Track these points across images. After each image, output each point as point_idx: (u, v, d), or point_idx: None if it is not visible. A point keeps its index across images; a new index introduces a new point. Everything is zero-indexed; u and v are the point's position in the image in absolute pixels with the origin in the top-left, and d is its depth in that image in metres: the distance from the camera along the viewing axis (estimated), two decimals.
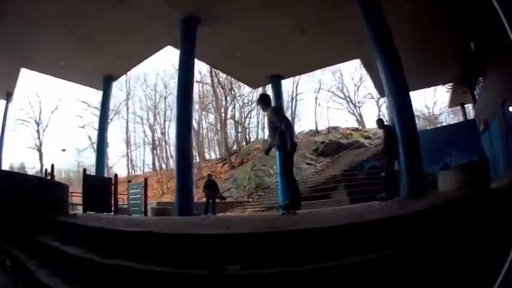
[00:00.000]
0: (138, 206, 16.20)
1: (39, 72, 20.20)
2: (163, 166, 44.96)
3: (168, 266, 3.16)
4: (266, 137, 38.77)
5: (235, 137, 42.88)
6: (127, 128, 48.46)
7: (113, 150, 53.67)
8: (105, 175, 20.94)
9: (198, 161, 40.74)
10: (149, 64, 50.41)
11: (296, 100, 45.25)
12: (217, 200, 17.68)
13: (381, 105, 44.63)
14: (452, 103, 26.99)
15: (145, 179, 17.12)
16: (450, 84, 22.80)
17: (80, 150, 50.57)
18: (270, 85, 21.53)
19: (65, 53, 16.84)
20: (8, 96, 21.24)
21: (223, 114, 41.26)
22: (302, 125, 47.63)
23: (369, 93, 45.69)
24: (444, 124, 35.47)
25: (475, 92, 19.50)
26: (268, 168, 30.18)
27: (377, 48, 11.21)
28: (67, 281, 3.50)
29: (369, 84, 40.42)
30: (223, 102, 41.57)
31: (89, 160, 47.03)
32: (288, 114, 38.85)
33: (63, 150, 48.83)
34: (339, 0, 12.31)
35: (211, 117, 45.79)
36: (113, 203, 14.81)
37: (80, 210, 14.89)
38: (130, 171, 48.37)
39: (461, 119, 27.12)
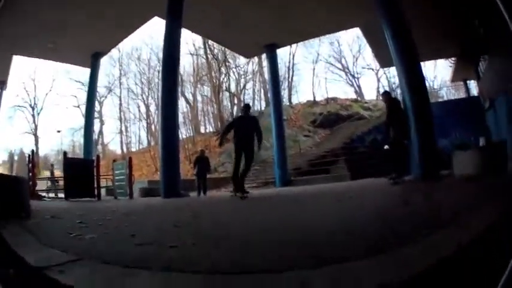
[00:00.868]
0: (123, 188, 15.34)
1: (30, 57, 20.81)
2: (158, 141, 43.74)
3: None
4: (262, 109, 38.51)
5: (230, 110, 42.03)
6: (120, 104, 47.68)
7: (108, 128, 53.66)
8: (95, 154, 20.36)
9: (193, 134, 40.71)
10: (142, 38, 48.78)
11: (293, 70, 44.58)
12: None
13: (380, 76, 43.97)
14: (455, 78, 26.29)
15: (130, 158, 16.38)
16: (453, 58, 22.46)
17: (75, 130, 50.09)
18: (265, 55, 21.41)
19: (53, 34, 16.66)
20: (2, 85, 21.62)
21: (217, 87, 40.76)
22: (299, 96, 46.42)
23: (368, 64, 44.81)
24: (445, 99, 35.04)
25: (479, 68, 18.74)
26: (264, 141, 29.29)
27: (385, 14, 10.79)
28: None
29: (367, 56, 39.60)
30: (218, 74, 41.06)
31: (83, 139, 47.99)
32: (284, 84, 38.23)
33: (58, 131, 48.76)
34: None
35: (206, 90, 45.23)
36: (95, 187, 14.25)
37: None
38: (125, 148, 47.73)
39: (462, 94, 26.87)
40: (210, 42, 33.66)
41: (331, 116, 32.49)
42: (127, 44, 22.52)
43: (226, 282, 2.00)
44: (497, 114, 13.97)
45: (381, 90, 43.43)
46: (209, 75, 41.55)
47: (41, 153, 45.96)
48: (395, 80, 29.22)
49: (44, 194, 15.52)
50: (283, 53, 35.73)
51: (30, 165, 13.84)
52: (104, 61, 21.75)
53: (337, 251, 2.36)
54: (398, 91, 19.12)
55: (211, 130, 43.48)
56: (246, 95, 43.83)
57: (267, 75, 32.56)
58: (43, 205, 8.46)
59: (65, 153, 15.48)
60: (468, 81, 24.87)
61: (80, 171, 13.77)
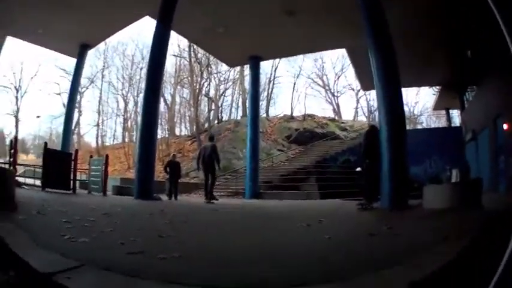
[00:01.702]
0: (98, 184, 15.38)
1: (23, 40, 20.25)
2: (133, 138, 42.86)
3: None
4: (239, 118, 38.67)
5: (207, 115, 41.98)
6: (100, 97, 46.84)
7: (85, 119, 52.99)
8: (72, 145, 20.34)
9: (167, 136, 40.27)
10: (129, 34, 48.62)
11: (273, 83, 44.84)
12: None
13: (360, 97, 44.76)
14: (438, 106, 26.72)
15: (107, 156, 16.38)
16: (438, 87, 22.69)
17: (54, 117, 49.47)
18: (248, 66, 21.88)
19: (43, 19, 16.50)
20: None
21: (197, 90, 40.27)
22: (277, 109, 46.72)
23: (349, 84, 45.40)
24: (425, 126, 35.66)
25: (464, 98, 19.20)
26: (238, 151, 29.58)
27: (371, 38, 10.62)
28: None
29: (349, 75, 40.14)
30: (199, 78, 40.62)
31: (62, 128, 47.28)
32: (263, 96, 38.50)
33: (38, 116, 48.45)
34: None
35: (186, 92, 44.88)
36: (72, 180, 14.35)
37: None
38: (99, 142, 46.85)
39: (443, 123, 27.28)
40: (195, 46, 33.25)
41: (307, 133, 32.57)
42: (114, 37, 22.77)
43: None
44: (478, 148, 14.26)
45: (360, 112, 44.44)
46: (190, 78, 41.11)
47: (19, 136, 44.75)
48: (374, 103, 29.67)
49: (21, 180, 15.27)
50: (265, 65, 35.87)
51: (13, 151, 13.94)
52: (90, 52, 21.45)
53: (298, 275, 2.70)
54: (377, 114, 19.57)
55: (186, 133, 43.39)
56: (224, 102, 44.04)
57: (247, 85, 32.75)
58: (24, 195, 8.50)
59: (45, 143, 15.21)
60: (451, 111, 25.28)
61: (59, 163, 13.89)
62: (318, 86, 47.59)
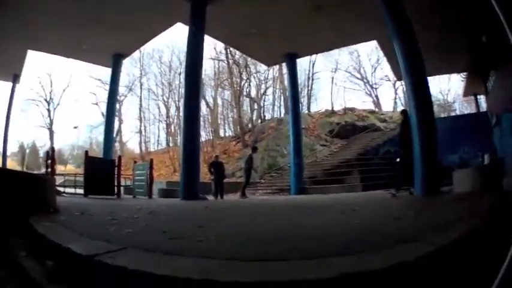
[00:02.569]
0: (143, 188, 15.84)
1: (48, 53, 20.46)
2: (177, 143, 43.18)
3: None
4: (281, 115, 38.83)
5: (250, 115, 42.34)
6: (140, 104, 48.08)
7: (127, 127, 54.08)
8: (115, 153, 20.80)
9: (212, 138, 40.63)
10: (164, 41, 50.42)
11: (312, 79, 44.71)
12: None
13: (397, 88, 44.04)
14: (466, 93, 26.36)
15: (151, 160, 16.67)
16: (465, 73, 22.46)
17: (93, 127, 50.95)
18: (285, 64, 21.74)
19: (74, 33, 16.78)
20: (15, 78, 21.84)
21: (238, 91, 40.55)
22: (318, 104, 46.48)
23: (386, 75, 44.71)
24: (458, 113, 34.98)
25: (488, 84, 18.87)
26: (282, 148, 29.75)
27: (393, 29, 10.81)
28: None
29: (385, 66, 39.76)
30: (239, 80, 40.86)
31: (102, 137, 48.17)
32: (304, 92, 38.43)
33: (75, 127, 49.69)
34: None
35: (227, 94, 45.07)
36: (116, 186, 14.74)
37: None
38: (143, 147, 47.93)
39: (474, 109, 26.75)
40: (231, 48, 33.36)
41: (348, 127, 32.45)
42: (148, 45, 23.30)
43: (241, 266, 2.51)
44: (502, 131, 14.11)
45: (398, 102, 43.77)
46: (230, 79, 41.39)
47: (55, 147, 46.47)
48: None
49: (61, 189, 15.95)
50: (303, 61, 35.84)
51: (49, 161, 14.03)
52: (125, 61, 21.95)
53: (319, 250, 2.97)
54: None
55: (230, 134, 43.56)
56: (266, 101, 43.92)
57: (287, 83, 32.83)
58: (65, 201, 8.67)
59: (86, 152, 15.77)
60: (478, 96, 24.85)
61: (101, 169, 14.29)
62: (356, 79, 47.31)
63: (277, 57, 21.06)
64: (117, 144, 41.89)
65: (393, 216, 5.32)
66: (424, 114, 9.90)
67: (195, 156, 13.99)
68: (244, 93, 41.48)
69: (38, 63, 45.15)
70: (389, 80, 44.09)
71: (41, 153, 52.99)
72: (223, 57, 41.37)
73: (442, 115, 31.93)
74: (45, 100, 49.21)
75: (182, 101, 16.48)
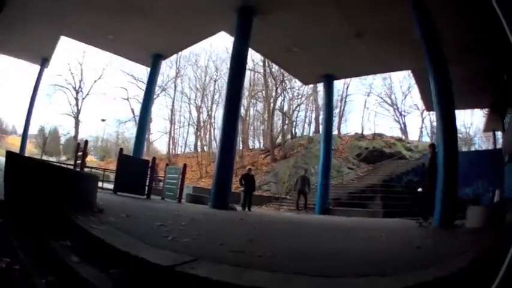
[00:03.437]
0: (173, 191, 16.09)
1: (83, 42, 20.87)
2: (205, 149, 44.50)
3: None
4: (311, 134, 39.13)
5: (280, 129, 42.11)
6: (173, 105, 48.53)
7: (155, 126, 54.45)
8: (144, 151, 21.06)
9: (241, 148, 40.36)
10: (201, 45, 49.76)
11: (345, 101, 45.14)
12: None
13: (424, 117, 44.22)
14: (487, 128, 26.39)
15: (185, 166, 17.01)
16: (486, 109, 22.41)
17: (121, 122, 52.35)
18: (322, 84, 22.01)
19: (114, 27, 17.19)
20: (44, 62, 22.13)
21: (271, 105, 40.55)
22: (348, 126, 46.73)
23: (415, 104, 44.95)
24: (477, 147, 35.01)
25: (505, 121, 18.99)
26: (310, 167, 29.76)
27: (429, 62, 11.07)
28: None
29: (415, 95, 39.81)
30: (273, 93, 40.87)
31: (129, 132, 49.70)
32: (335, 112, 38.61)
33: (103, 120, 49.99)
34: (399, 10, 12.28)
35: (260, 106, 45.40)
36: (147, 186, 14.93)
37: None
38: (171, 149, 48.26)
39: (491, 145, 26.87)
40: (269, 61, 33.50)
41: (375, 152, 32.53)
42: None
43: (302, 281, 2.95)
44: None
45: (424, 131, 43.76)
46: (265, 92, 41.51)
47: (80, 137, 47.29)
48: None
49: None
50: (337, 82, 36.21)
51: (80, 153, 14.59)
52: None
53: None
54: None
55: (259, 146, 43.96)
56: (298, 117, 44.08)
57: (320, 101, 33.05)
58: (102, 198, 8.14)
59: (121, 149, 16.07)
60: (496, 133, 24.75)
61: (134, 168, 14.46)
62: (386, 105, 47.42)
63: (314, 77, 21.43)
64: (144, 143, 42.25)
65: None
66: (449, 149, 10.27)
67: (229, 167, 14.15)
68: (277, 107, 41.50)
69: (71, 51, 45.54)
70: (418, 109, 44.21)
71: (62, 140, 55.00)
72: (260, 69, 41.55)
73: (464, 149, 31.91)
74: (74, 88, 50.38)
75: (219, 110, 16.77)
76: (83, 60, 51.64)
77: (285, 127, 42.10)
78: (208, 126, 46.07)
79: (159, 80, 39.97)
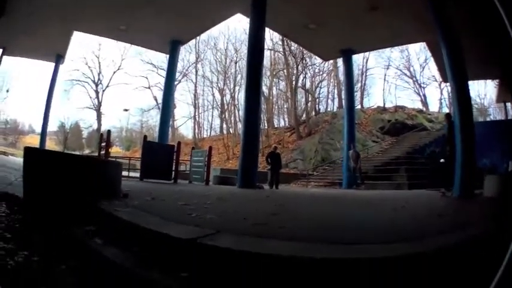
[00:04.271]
0: (200, 174, 16.40)
1: (96, 35, 21.66)
2: (231, 130, 44.37)
3: None
4: (335, 109, 39.28)
5: (304, 107, 42.52)
6: (195, 90, 48.48)
7: (179, 112, 54.60)
8: (169, 137, 21.88)
9: (266, 127, 40.82)
10: (219, 28, 49.35)
11: (366, 75, 44.65)
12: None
13: (443, 89, 43.07)
14: (499, 99, 25.84)
15: (210, 148, 17.23)
16: (497, 80, 22.26)
17: (144, 111, 52.25)
18: (341, 59, 22.24)
19: (125, 17, 17.51)
20: (58, 59, 22.41)
21: (293, 83, 40.54)
22: (370, 100, 46.32)
23: (433, 76, 43.80)
24: (492, 118, 34.53)
25: None
26: (336, 142, 30.12)
27: (440, 32, 11.25)
28: None
29: (432, 67, 39.22)
30: (295, 71, 40.74)
31: (153, 120, 49.67)
32: (357, 87, 38.75)
33: (126, 110, 50.34)
34: None
35: (282, 84, 45.27)
36: (173, 171, 15.11)
37: None
38: (197, 133, 48.54)
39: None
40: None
41: (398, 125, 32.54)
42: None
43: (324, 247, 3.02)
44: None
45: (443, 103, 43.24)
46: (286, 70, 41.55)
47: (103, 129, 45.60)
48: None
49: None
50: (357, 57, 35.91)
51: (104, 144, 14.42)
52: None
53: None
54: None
55: (284, 125, 43.98)
56: (320, 93, 43.91)
57: (341, 76, 32.94)
58: (126, 184, 8.10)
59: (145, 136, 16.49)
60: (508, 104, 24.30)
61: (159, 154, 14.70)
62: (406, 77, 46.70)
63: (333, 53, 21.68)
64: (169, 129, 42.42)
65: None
66: (464, 119, 10.40)
67: (254, 146, 14.56)
68: (300, 84, 41.40)
69: (85, 44, 45.93)
70: (436, 81, 43.50)
71: (85, 134, 55.13)
72: (279, 48, 41.45)
73: (480, 119, 31.50)
74: (93, 81, 50.44)
75: (242, 92, 16.87)
76: (99, 53, 51.09)
77: (309, 104, 42.16)
78: (232, 108, 46.05)
79: (180, 66, 40.63)
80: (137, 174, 14.91)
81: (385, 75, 44.91)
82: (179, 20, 17.70)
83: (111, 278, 3.17)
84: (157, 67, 46.74)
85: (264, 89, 41.34)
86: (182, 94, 50.11)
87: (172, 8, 16.38)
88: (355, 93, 34.83)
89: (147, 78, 50.12)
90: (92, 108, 50.91)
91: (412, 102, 43.46)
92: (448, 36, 11.01)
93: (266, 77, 42.34)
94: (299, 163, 30.84)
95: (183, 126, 52.56)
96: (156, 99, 48.32)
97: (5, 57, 20.95)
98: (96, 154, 15.53)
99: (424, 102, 44.27)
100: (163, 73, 33.70)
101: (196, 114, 49.01)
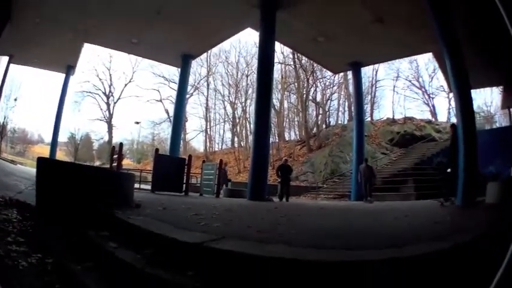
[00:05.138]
0: (210, 187, 16.55)
1: (108, 48, 21.96)
2: (242, 144, 44.24)
3: None
4: (346, 122, 38.97)
5: (315, 120, 41.22)
6: (207, 103, 48.28)
7: (191, 125, 54.57)
8: (181, 151, 21.40)
9: (277, 141, 40.45)
10: (230, 42, 49.45)
11: (376, 87, 44.20)
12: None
13: (451, 99, 42.83)
14: (504, 106, 25.58)
15: (221, 161, 17.37)
16: (501, 87, 21.98)
17: (155, 124, 52.06)
18: (350, 72, 22.43)
19: (137, 31, 17.73)
20: (69, 70, 22.63)
21: (304, 96, 40.47)
22: (380, 112, 46.28)
23: (441, 86, 43.73)
24: (498, 125, 34.42)
25: None
26: (345, 155, 29.98)
27: (442, 42, 11.29)
28: None
29: (440, 77, 39.22)
30: (305, 84, 40.70)
31: (164, 133, 49.23)
32: (367, 99, 38.67)
33: (137, 122, 50.18)
34: None
35: (293, 98, 44.73)
36: (184, 184, 15.11)
37: None
38: (208, 147, 48.30)
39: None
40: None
41: (407, 136, 32.17)
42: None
43: (319, 252, 3.30)
44: None
45: (451, 113, 43.18)
46: (297, 84, 41.33)
47: (114, 141, 46.77)
48: None
49: None
50: (367, 69, 35.99)
51: (116, 156, 14.47)
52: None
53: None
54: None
55: (295, 138, 43.47)
56: (331, 106, 43.38)
57: (351, 90, 33.04)
58: (138, 196, 8.14)
59: (157, 149, 16.46)
60: None
61: (171, 167, 14.73)
62: (415, 88, 46.67)
63: (342, 65, 21.70)
64: (181, 142, 42.47)
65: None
66: (467, 128, 10.48)
67: (264, 159, 14.69)
68: (310, 97, 41.36)
69: (96, 56, 46.13)
70: (444, 91, 43.41)
71: (95, 146, 54.82)
72: (290, 61, 41.38)
73: (487, 127, 31.43)
74: (104, 93, 50.42)
75: (253, 105, 17.01)
76: (110, 65, 50.98)
77: (319, 117, 41.79)
78: (244, 121, 45.76)
79: (191, 79, 40.53)
80: (148, 187, 14.96)
81: (395, 86, 44.87)
82: (190, 35, 17.89)
83: (124, 277, 3.45)
84: (169, 80, 46.91)
85: (275, 102, 41.49)
86: (194, 107, 50.21)
87: (184, 23, 16.57)
88: (366, 106, 34.95)
89: (158, 91, 50.24)
90: (103, 120, 51.04)
91: (422, 113, 43.19)
92: (450, 45, 11.09)
93: (277, 90, 42.39)
94: (309, 176, 30.83)
95: (195, 139, 52.23)
96: (167, 112, 48.38)
97: (14, 66, 21.30)
98: (108, 166, 15.73)
99: (433, 113, 44.02)
100: (175, 86, 33.96)
101: (208, 127, 48.86)
